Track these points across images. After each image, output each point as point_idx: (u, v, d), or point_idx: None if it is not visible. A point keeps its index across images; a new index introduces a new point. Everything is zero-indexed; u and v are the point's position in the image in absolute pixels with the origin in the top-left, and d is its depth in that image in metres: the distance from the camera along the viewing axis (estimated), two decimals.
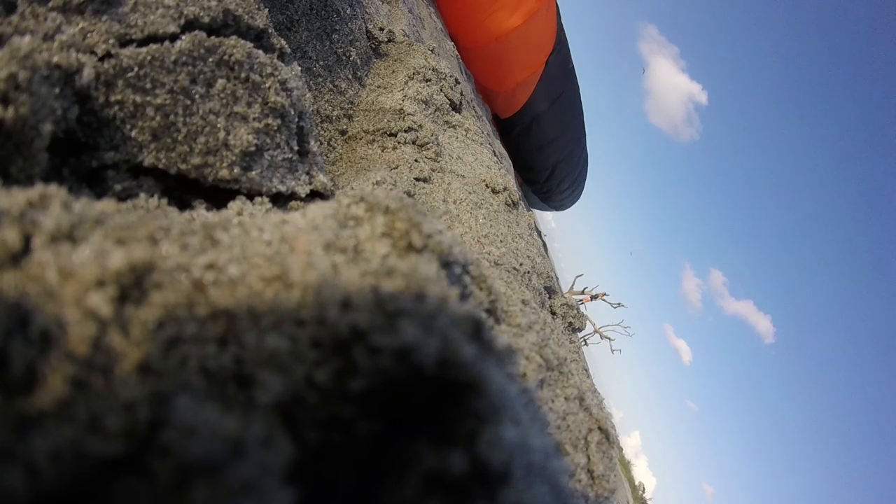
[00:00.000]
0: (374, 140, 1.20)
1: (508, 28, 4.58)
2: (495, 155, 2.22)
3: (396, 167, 1.12)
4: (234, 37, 0.58)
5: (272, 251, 0.29)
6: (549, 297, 1.28)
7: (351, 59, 1.33)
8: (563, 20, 5.46)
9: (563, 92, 5.72)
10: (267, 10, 0.67)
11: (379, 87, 1.41)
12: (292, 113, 0.63)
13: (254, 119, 0.58)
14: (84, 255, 0.24)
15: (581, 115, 6.46)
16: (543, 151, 6.21)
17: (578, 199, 8.13)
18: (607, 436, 0.72)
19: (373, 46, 1.54)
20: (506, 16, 4.55)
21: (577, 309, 1.36)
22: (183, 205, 0.54)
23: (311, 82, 1.12)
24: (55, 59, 0.43)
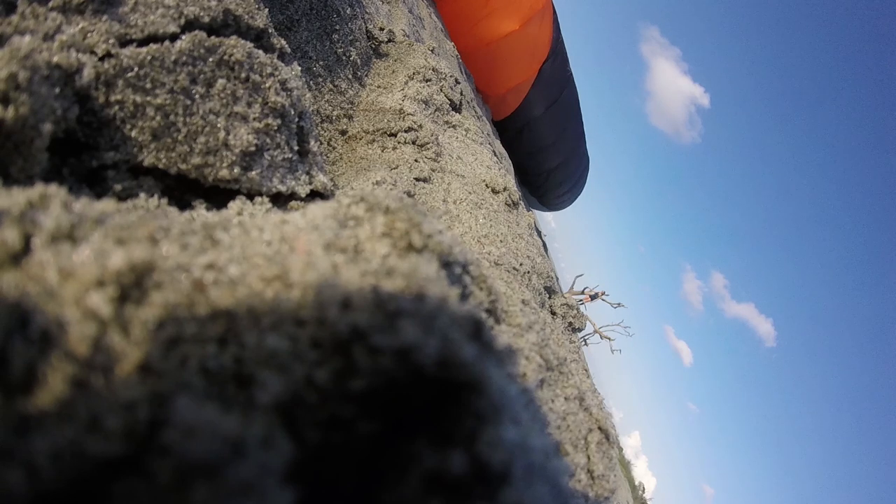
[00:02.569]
0: (374, 140, 1.20)
1: (500, 34, 4.58)
2: (495, 155, 2.23)
3: (396, 167, 1.12)
4: (234, 37, 0.58)
5: (272, 251, 0.29)
6: (549, 297, 1.28)
7: (351, 59, 1.33)
8: (563, 22, 5.44)
9: (557, 99, 5.71)
10: (267, 10, 0.67)
11: (379, 87, 1.41)
12: (292, 113, 0.63)
13: (254, 119, 0.58)
14: (84, 255, 0.24)
15: (579, 121, 6.44)
16: (535, 157, 6.20)
17: (574, 201, 8.15)
18: (607, 436, 0.72)
19: (373, 46, 1.54)
20: (497, 22, 4.55)
21: (577, 309, 1.36)
22: (183, 205, 0.54)
23: (311, 82, 1.12)
24: (55, 58, 0.43)
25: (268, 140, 0.59)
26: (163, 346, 0.22)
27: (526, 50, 4.88)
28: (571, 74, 5.88)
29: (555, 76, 5.44)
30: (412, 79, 1.48)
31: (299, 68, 0.69)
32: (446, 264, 0.35)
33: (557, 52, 5.30)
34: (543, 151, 6.13)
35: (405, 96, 1.36)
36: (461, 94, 1.76)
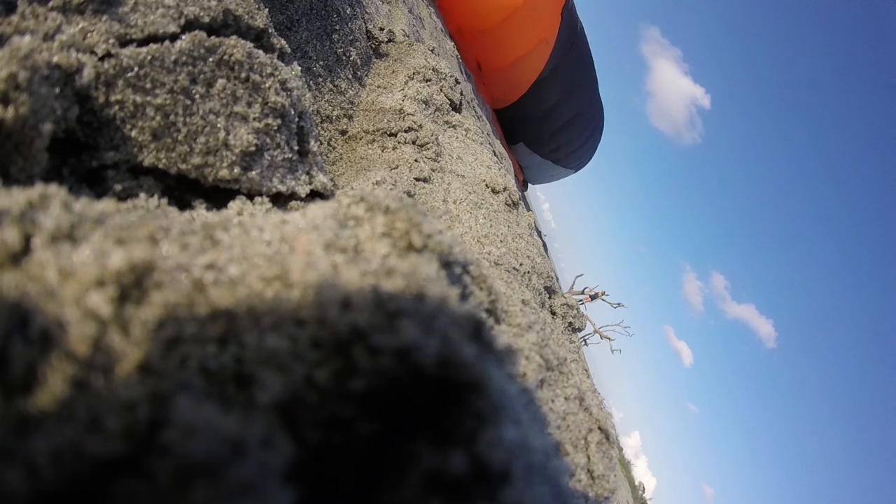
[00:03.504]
0: (374, 140, 1.20)
1: (516, 4, 4.63)
2: (495, 155, 2.23)
3: (396, 167, 1.12)
4: (234, 37, 0.58)
5: (272, 251, 0.29)
6: (549, 297, 1.28)
7: (351, 59, 1.33)
8: None
9: (572, 44, 5.69)
10: (267, 10, 0.67)
11: (379, 87, 1.41)
12: (292, 113, 0.63)
13: (254, 119, 0.58)
14: (84, 254, 0.24)
15: (591, 67, 6.35)
16: (552, 113, 6.17)
17: (593, 155, 8.09)
18: (607, 436, 0.72)
19: (373, 46, 1.54)
20: None
21: (577, 309, 1.36)
22: (183, 205, 0.54)
23: (311, 82, 1.12)
24: (55, 58, 0.43)
25: (268, 140, 0.59)
26: (163, 346, 0.22)
27: (541, 8, 4.87)
28: (579, 20, 5.82)
29: (571, 23, 5.42)
30: (412, 79, 1.48)
31: (299, 68, 0.69)
32: (446, 264, 0.35)
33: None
34: (561, 105, 6.09)
35: (405, 96, 1.36)
36: (461, 94, 1.77)
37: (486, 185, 1.31)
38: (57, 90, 0.42)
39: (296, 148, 0.64)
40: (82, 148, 0.48)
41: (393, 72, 1.51)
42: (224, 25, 0.60)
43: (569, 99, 6.23)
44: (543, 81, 5.65)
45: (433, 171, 1.20)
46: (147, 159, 0.50)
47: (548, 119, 6.38)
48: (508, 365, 0.28)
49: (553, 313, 1.30)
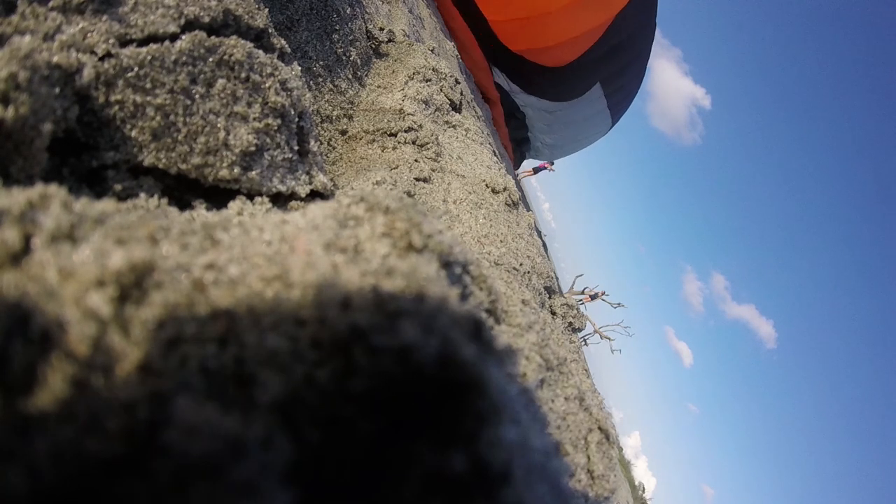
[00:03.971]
0: (374, 140, 1.20)
1: None
2: (495, 155, 2.23)
3: (396, 167, 1.12)
4: (234, 37, 0.58)
5: (272, 251, 0.29)
6: (549, 297, 1.28)
7: (351, 59, 1.33)
8: None
9: None
10: (267, 10, 0.67)
11: (379, 87, 1.41)
12: (292, 113, 0.63)
13: (254, 119, 0.58)
14: (84, 254, 0.24)
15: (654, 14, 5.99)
16: (625, 47, 5.79)
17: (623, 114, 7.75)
18: (607, 436, 0.72)
19: (373, 46, 1.54)
20: None
21: (577, 309, 1.36)
22: (183, 205, 0.54)
23: (311, 82, 1.12)
24: (55, 58, 0.43)
25: (268, 140, 0.59)
26: (163, 345, 0.22)
27: None
28: None
29: None
30: (412, 79, 1.48)
31: (299, 68, 0.69)
32: (446, 264, 0.35)
33: None
34: (637, 34, 5.73)
35: (405, 96, 1.36)
36: (461, 94, 1.77)
37: (486, 185, 1.31)
38: (57, 90, 0.42)
39: (296, 148, 0.64)
40: (82, 148, 0.48)
41: (393, 72, 1.51)
42: (224, 25, 0.60)
43: (643, 30, 5.84)
44: (631, 5, 5.24)
45: (433, 171, 1.20)
46: (147, 159, 0.50)
47: (623, 50, 5.89)
48: (508, 365, 0.28)
49: (553, 313, 1.30)
